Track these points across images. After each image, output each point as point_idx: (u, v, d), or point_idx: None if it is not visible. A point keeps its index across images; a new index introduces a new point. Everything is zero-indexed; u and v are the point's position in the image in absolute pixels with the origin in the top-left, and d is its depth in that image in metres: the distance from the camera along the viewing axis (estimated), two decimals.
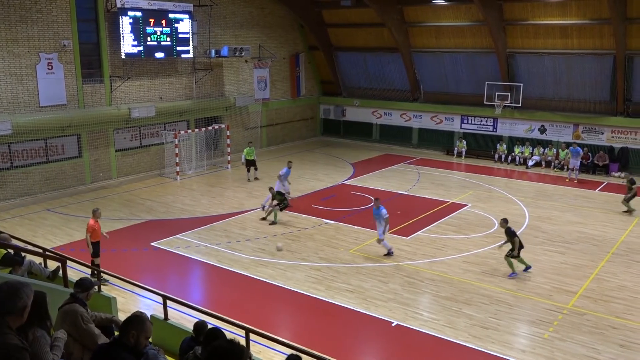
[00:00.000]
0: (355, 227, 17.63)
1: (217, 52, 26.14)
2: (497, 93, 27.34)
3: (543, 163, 26.79)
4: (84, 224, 17.58)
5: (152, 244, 16.13)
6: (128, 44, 22.40)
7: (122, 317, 7.77)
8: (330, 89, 34.35)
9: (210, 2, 25.60)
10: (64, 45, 20.71)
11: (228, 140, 26.46)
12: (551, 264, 14.81)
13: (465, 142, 29.13)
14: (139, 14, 22.58)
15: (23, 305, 4.05)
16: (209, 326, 7.28)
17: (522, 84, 26.83)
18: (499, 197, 21.61)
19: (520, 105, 27.00)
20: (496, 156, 28.04)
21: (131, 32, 22.39)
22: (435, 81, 30.26)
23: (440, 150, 30.20)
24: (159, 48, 23.60)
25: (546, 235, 17.11)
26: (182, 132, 24.54)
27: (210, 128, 25.76)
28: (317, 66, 33.91)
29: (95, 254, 13.36)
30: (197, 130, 25.20)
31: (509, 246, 14.14)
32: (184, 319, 10.42)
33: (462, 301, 12.58)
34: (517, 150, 27.55)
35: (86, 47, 21.86)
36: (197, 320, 7.88)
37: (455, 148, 29.31)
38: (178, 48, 24.29)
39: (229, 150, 26.41)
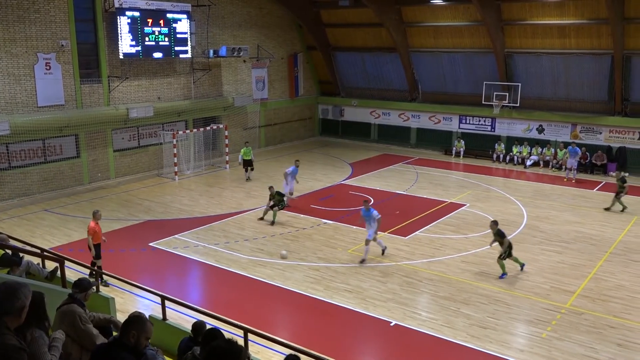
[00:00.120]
0: (354, 227, 17.62)
1: (215, 52, 26.13)
2: (495, 93, 27.37)
3: (541, 163, 26.82)
4: (82, 224, 17.62)
5: (150, 244, 16.12)
6: (126, 44, 22.38)
7: (120, 317, 7.78)
8: (328, 89, 34.36)
9: (208, 2, 25.59)
10: (62, 45, 20.69)
11: (226, 140, 26.46)
12: (549, 264, 14.83)
13: (463, 142, 29.15)
14: (137, 14, 22.56)
15: (21, 306, 4.05)
16: (208, 326, 7.27)
17: (520, 84, 26.86)
18: (497, 196, 21.63)
19: (518, 105, 27.03)
20: (494, 156, 28.07)
21: (129, 32, 22.37)
22: (433, 81, 30.28)
23: (439, 150, 30.22)
24: (157, 48, 23.58)
25: (544, 235, 17.13)
26: (181, 132, 24.53)
27: (208, 128, 25.76)
28: (315, 66, 33.91)
29: (97, 256, 13.34)
30: (195, 130, 25.19)
31: (499, 246, 14.11)
32: (182, 319, 10.42)
33: (460, 301, 12.60)
34: (515, 150, 27.58)
35: (84, 47, 21.83)
36: (195, 320, 7.87)
37: (454, 148, 29.33)
38: (176, 48, 24.27)
39: (227, 151, 26.40)
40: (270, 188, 18.38)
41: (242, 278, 13.86)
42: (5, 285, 4.09)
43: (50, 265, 10.55)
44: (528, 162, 26.92)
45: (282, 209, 18.23)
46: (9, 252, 10.27)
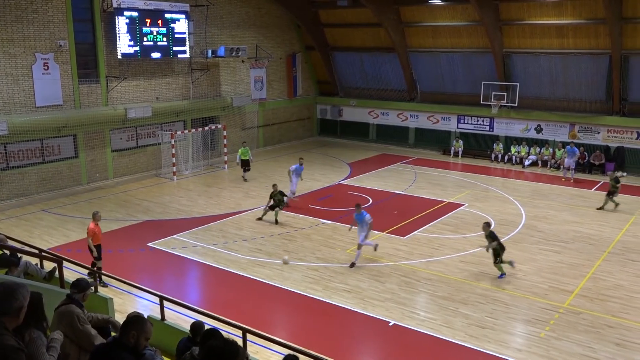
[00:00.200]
0: (353, 227, 17.59)
1: (213, 52, 26.12)
2: (493, 93, 27.40)
3: (539, 162, 26.85)
4: (80, 224, 17.62)
5: (148, 244, 16.11)
6: (124, 44, 22.36)
7: (118, 318, 7.78)
8: (326, 89, 34.36)
9: (206, 2, 25.58)
10: (60, 45, 20.67)
11: (225, 140, 26.45)
12: (547, 263, 14.85)
13: (461, 142, 29.17)
14: (135, 14, 22.55)
15: (19, 306, 4.04)
16: (206, 327, 7.27)
17: (518, 84, 26.90)
18: (496, 196, 21.65)
19: (516, 104, 27.07)
20: (493, 156, 28.10)
21: (127, 32, 22.36)
22: (431, 81, 30.30)
23: (437, 150, 30.24)
24: (155, 48, 23.57)
25: (542, 235, 17.15)
26: (179, 132, 24.52)
27: (206, 128, 25.75)
28: (313, 66, 33.91)
29: (99, 257, 13.31)
30: (193, 130, 25.18)
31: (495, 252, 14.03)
32: (181, 319, 10.42)
33: (458, 301, 12.61)
34: (513, 149, 27.61)
35: (82, 47, 21.81)
36: (194, 320, 7.87)
37: (452, 148, 29.35)
38: (174, 48, 24.26)
39: (225, 151, 26.39)
40: (274, 186, 18.33)
41: (241, 278, 13.86)
42: (3, 286, 4.09)
43: (49, 265, 10.54)
44: (526, 162, 26.95)
45: (281, 209, 18.21)
46: (7, 252, 10.26)
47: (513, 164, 27.39)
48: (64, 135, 21.21)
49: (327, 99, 34.17)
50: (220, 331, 6.75)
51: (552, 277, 13.93)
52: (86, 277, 11.49)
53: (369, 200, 20.85)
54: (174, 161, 23.84)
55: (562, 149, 25.57)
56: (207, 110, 26.55)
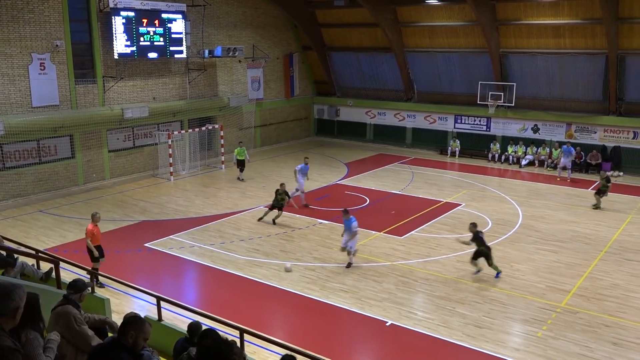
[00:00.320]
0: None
1: (210, 52, 26.09)
2: (490, 93, 27.44)
3: (536, 162, 26.90)
4: (77, 225, 17.60)
5: (145, 244, 16.08)
6: (121, 44, 22.32)
7: (115, 318, 7.77)
8: (324, 89, 34.36)
9: (203, 2, 25.55)
10: (57, 45, 20.62)
11: (222, 140, 26.43)
12: (544, 263, 14.87)
13: (458, 142, 29.20)
14: (131, 14, 22.51)
15: (15, 307, 4.03)
16: (203, 327, 7.26)
17: (515, 84, 26.94)
18: (493, 196, 21.68)
19: (513, 104, 27.11)
20: (490, 155, 28.14)
21: (124, 32, 22.32)
22: (428, 81, 30.32)
23: (434, 149, 30.26)
24: (152, 48, 23.53)
25: (539, 234, 17.17)
26: (176, 132, 24.48)
27: (203, 128, 25.71)
28: (310, 66, 33.91)
29: (101, 255, 13.25)
30: (190, 130, 25.14)
31: (480, 250, 13.89)
32: (178, 319, 10.40)
33: (456, 300, 12.62)
34: (510, 149, 27.65)
35: (79, 47, 21.76)
36: (191, 321, 7.86)
37: (449, 147, 29.38)
38: (171, 48, 24.22)
39: (222, 151, 26.37)
40: (282, 185, 18.34)
41: (238, 278, 13.85)
42: None
43: (45, 266, 10.52)
44: (523, 162, 26.99)
45: (281, 210, 18.16)
46: (4, 253, 10.24)
47: (510, 164, 27.43)
48: (61, 136, 21.15)
49: (324, 99, 34.17)
50: (218, 331, 6.76)
51: (549, 277, 13.96)
52: (83, 277, 11.46)
53: (366, 200, 20.86)
54: (171, 161, 23.81)
55: (559, 149, 25.62)
56: (204, 111, 26.52)
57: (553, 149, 26.34)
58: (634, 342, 10.86)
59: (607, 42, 23.75)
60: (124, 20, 22.27)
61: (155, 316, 9.05)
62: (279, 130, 32.20)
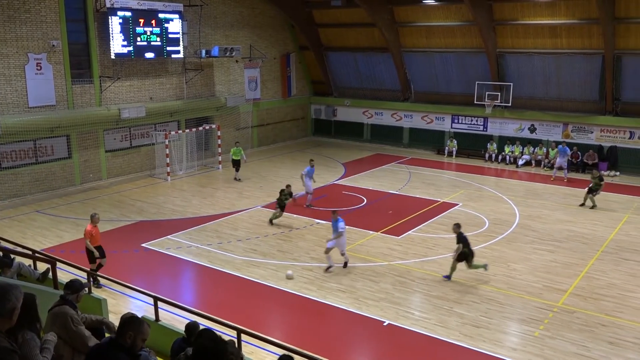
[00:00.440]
0: (347, 227, 17.59)
1: (207, 52, 26.07)
2: (487, 93, 27.47)
3: (533, 162, 26.94)
4: (74, 225, 17.57)
5: (142, 245, 16.06)
6: (118, 44, 22.28)
7: (112, 319, 7.75)
8: (321, 89, 34.36)
9: (200, 2, 25.53)
10: (53, 45, 20.57)
11: (219, 140, 26.41)
12: (541, 263, 14.90)
13: (455, 142, 29.23)
14: (128, 14, 22.47)
15: (12, 308, 4.02)
16: (201, 327, 7.25)
17: (512, 84, 26.97)
18: (490, 196, 21.71)
19: (510, 104, 27.15)
20: (487, 155, 28.17)
21: (121, 32, 22.28)
22: (425, 81, 30.35)
23: (431, 149, 30.29)
24: (149, 48, 23.49)
25: (536, 234, 17.20)
26: (173, 132, 24.46)
27: (200, 128, 25.70)
28: (307, 66, 33.90)
29: (102, 255, 13.21)
30: (187, 130, 25.12)
31: (463, 252, 13.65)
32: (175, 320, 10.39)
33: (453, 300, 12.63)
34: (507, 149, 27.69)
35: (75, 47, 21.72)
36: (188, 321, 7.85)
37: (446, 147, 29.41)
38: (168, 48, 24.19)
39: (219, 151, 26.35)
40: (288, 186, 18.38)
41: (235, 278, 13.84)
42: None
43: (42, 266, 10.49)
44: (520, 162, 27.03)
45: (282, 210, 18.13)
46: (0, 253, 10.21)
47: (507, 164, 27.47)
48: (57, 136, 21.11)
49: (321, 99, 34.17)
50: (215, 331, 6.75)
51: (546, 277, 13.98)
52: (80, 278, 11.44)
53: (364, 200, 20.87)
54: (168, 161, 23.78)
55: (555, 149, 25.67)
56: (201, 111, 26.50)
57: (550, 149, 26.38)
58: (631, 342, 10.89)
59: (603, 42, 23.80)
60: (120, 20, 22.23)
61: (152, 316, 9.04)
62: (276, 130, 32.19)
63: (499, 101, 27.22)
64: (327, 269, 14.15)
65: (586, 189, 20.31)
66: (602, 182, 20.01)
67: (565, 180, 23.95)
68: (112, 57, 22.38)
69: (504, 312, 12.09)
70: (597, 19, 23.36)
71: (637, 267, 14.63)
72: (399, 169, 26.36)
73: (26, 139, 19.89)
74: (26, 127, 19.48)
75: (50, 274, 9.19)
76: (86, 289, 8.69)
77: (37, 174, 20.78)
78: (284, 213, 18.31)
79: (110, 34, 22.01)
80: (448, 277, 13.70)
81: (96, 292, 10.77)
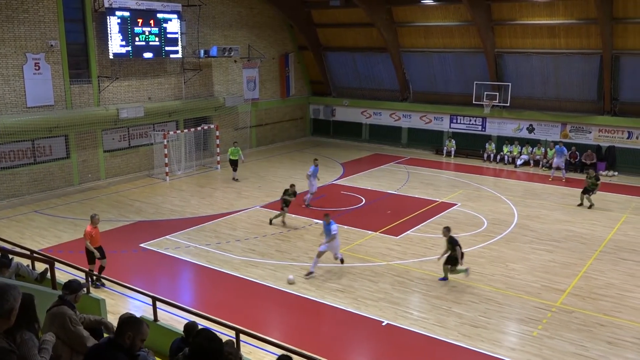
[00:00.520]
0: (345, 226, 17.64)
1: (206, 52, 26.06)
2: (485, 93, 27.50)
3: (531, 162, 26.97)
4: (72, 225, 17.55)
5: (141, 245, 16.05)
6: (116, 44, 22.26)
7: (111, 319, 7.74)
8: (319, 89, 34.36)
9: (199, 2, 25.51)
10: (51, 45, 20.55)
11: (217, 140, 26.40)
12: (540, 263, 14.91)
13: (454, 142, 29.25)
14: (126, 14, 22.45)
15: (10, 308, 4.01)
16: (199, 327, 7.25)
17: (510, 84, 27.00)
18: (488, 196, 21.72)
19: (508, 104, 27.17)
20: (485, 155, 28.19)
21: (119, 32, 22.26)
22: (424, 81, 30.36)
23: (430, 149, 30.31)
24: (148, 48, 23.47)
25: (535, 234, 17.21)
26: (171, 132, 24.44)
27: (199, 128, 25.68)
28: (306, 66, 33.90)
29: (102, 256, 13.20)
30: (186, 130, 25.11)
31: (453, 256, 13.53)
32: (174, 320, 10.39)
33: (451, 300, 12.63)
34: (505, 149, 27.71)
35: (74, 47, 21.69)
36: (187, 321, 7.85)
37: (445, 147, 29.43)
38: (167, 48, 24.17)
39: (218, 151, 26.34)
40: (292, 186, 18.36)
41: (234, 278, 13.83)
42: None
43: (40, 267, 10.48)
44: (518, 162, 27.06)
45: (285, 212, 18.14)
46: None
47: (505, 164, 27.50)
48: (56, 136, 21.09)
49: (319, 99, 34.17)
50: (212, 331, 6.75)
51: (545, 276, 13.99)
52: (78, 278, 11.44)
53: (362, 200, 20.87)
54: (167, 161, 23.76)
55: (554, 149, 25.69)
56: (199, 111, 26.48)
57: (548, 149, 26.40)
58: (629, 341, 10.90)
59: (601, 42, 23.84)
60: (119, 20, 22.21)
61: (151, 316, 9.04)
62: (275, 130, 32.18)
63: (497, 101, 27.25)
64: (308, 274, 13.82)
65: (582, 190, 20.32)
66: (598, 182, 20.02)
67: (564, 180, 23.97)
68: (111, 57, 22.36)
69: (502, 312, 12.10)
70: (596, 19, 23.39)
71: (635, 267, 14.66)
72: (397, 169, 26.37)
73: (24, 139, 19.86)
74: (24, 127, 19.45)
75: (49, 274, 9.18)
76: (84, 289, 8.68)
77: (36, 174, 20.75)
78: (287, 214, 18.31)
79: (109, 34, 21.99)
80: (444, 279, 13.69)
81: (95, 292, 10.76)
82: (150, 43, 23.49)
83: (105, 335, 6.76)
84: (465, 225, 17.96)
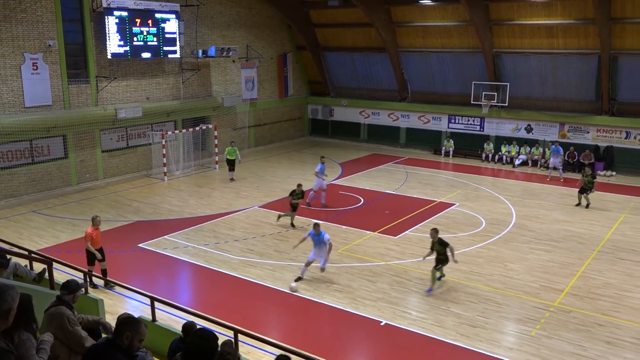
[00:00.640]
0: (344, 227, 17.65)
1: (204, 52, 26.04)
2: (483, 93, 27.52)
3: (530, 162, 26.99)
4: (70, 225, 17.53)
5: (139, 245, 16.03)
6: (114, 44, 22.24)
7: (109, 319, 7.74)
8: (318, 89, 34.36)
9: (197, 2, 25.49)
10: (49, 45, 20.52)
11: (216, 140, 26.38)
12: (538, 262, 14.92)
13: (452, 142, 29.27)
14: (125, 13, 22.43)
15: (8, 308, 4.00)
16: (198, 327, 7.24)
17: (508, 84, 27.02)
18: (487, 196, 21.73)
19: (506, 104, 27.19)
20: (483, 155, 28.21)
21: (117, 32, 22.24)
22: (422, 81, 30.37)
23: (428, 149, 30.32)
24: (146, 48, 23.45)
25: (533, 234, 17.23)
26: (170, 132, 24.42)
27: (197, 128, 25.66)
28: (304, 66, 33.89)
29: (102, 258, 13.16)
30: (184, 130, 25.08)
31: (443, 257, 13.32)
32: (172, 320, 10.38)
33: (450, 300, 12.64)
34: (504, 149, 27.73)
35: (72, 47, 21.66)
36: (185, 321, 7.84)
37: (443, 147, 29.44)
38: (165, 48, 24.15)
39: (216, 151, 26.32)
40: (299, 186, 18.30)
41: (232, 278, 13.82)
42: None
43: (38, 267, 10.46)
44: (517, 162, 27.08)
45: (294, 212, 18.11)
46: None
47: (503, 164, 27.52)
48: (54, 136, 21.06)
49: (318, 99, 34.17)
50: (209, 330, 6.74)
51: (543, 276, 14.00)
52: (78, 278, 11.42)
53: (361, 200, 20.87)
54: (165, 161, 23.74)
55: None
56: (198, 111, 26.46)
57: (546, 149, 26.42)
58: (627, 341, 10.91)
59: (599, 42, 23.86)
60: (117, 20, 22.19)
61: (149, 317, 9.03)
62: (273, 130, 32.17)
63: (495, 101, 27.27)
64: (298, 279, 13.54)
65: (578, 189, 20.33)
66: (594, 180, 20.06)
67: (562, 180, 23.99)
68: (109, 57, 22.34)
69: (500, 312, 12.11)
70: (594, 19, 23.42)
71: (633, 267, 14.68)
72: (395, 169, 26.37)
73: (22, 139, 19.83)
74: (22, 127, 19.42)
75: (47, 274, 9.16)
76: (82, 289, 8.67)
77: (34, 174, 20.73)
78: (279, 213, 18.29)
79: (107, 34, 21.97)
80: (439, 278, 13.65)
81: (93, 293, 10.75)
82: (149, 43, 23.47)
83: (104, 335, 6.75)
84: (463, 225, 17.97)
